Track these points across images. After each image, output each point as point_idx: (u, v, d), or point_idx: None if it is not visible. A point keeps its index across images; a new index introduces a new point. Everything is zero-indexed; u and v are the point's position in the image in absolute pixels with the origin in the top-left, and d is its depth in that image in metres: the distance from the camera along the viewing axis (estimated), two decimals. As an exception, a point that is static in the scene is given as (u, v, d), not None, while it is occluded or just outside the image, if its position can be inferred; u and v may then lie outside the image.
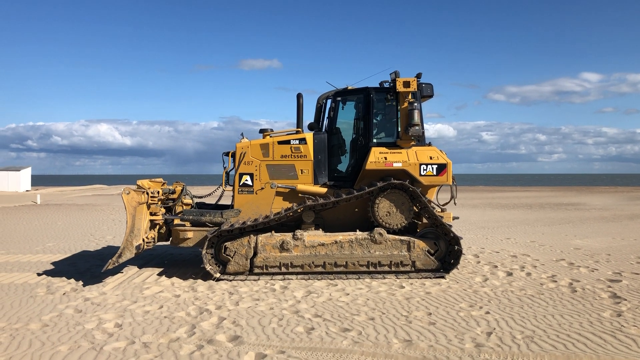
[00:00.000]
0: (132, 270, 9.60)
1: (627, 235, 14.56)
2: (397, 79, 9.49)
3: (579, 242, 13.16)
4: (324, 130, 10.00)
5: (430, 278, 8.83)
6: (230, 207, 9.81)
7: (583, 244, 12.93)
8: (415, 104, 9.37)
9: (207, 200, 10.87)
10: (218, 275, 8.75)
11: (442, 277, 8.87)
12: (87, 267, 9.87)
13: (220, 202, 10.55)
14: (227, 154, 9.84)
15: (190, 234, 9.23)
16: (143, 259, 10.79)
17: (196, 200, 10.44)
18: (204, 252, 8.68)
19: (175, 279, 8.77)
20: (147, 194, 8.87)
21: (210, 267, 8.73)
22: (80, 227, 16.98)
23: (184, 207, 9.90)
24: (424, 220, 9.33)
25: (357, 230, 9.20)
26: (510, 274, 9.15)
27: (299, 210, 9.07)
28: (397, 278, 8.79)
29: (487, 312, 6.81)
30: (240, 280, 8.68)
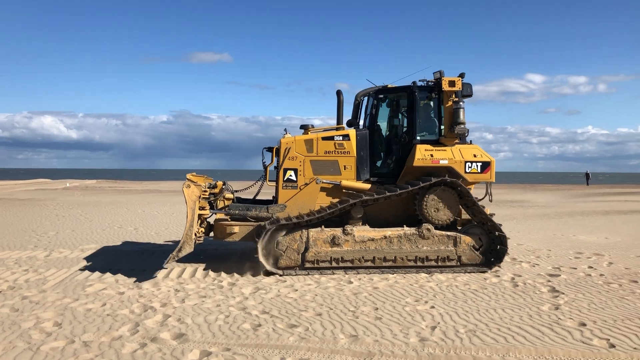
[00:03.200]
0: (75, 266, 9.31)
1: (566, 232, 15.12)
2: (442, 78, 9.63)
3: (522, 238, 13.57)
4: (361, 126, 10.12)
5: (474, 272, 9.10)
6: (273, 202, 9.80)
7: (525, 240, 13.35)
8: (461, 103, 9.51)
9: (242, 195, 10.70)
10: (271, 269, 8.74)
11: (485, 271, 9.14)
12: (29, 264, 9.49)
13: (257, 197, 10.52)
14: (268, 149, 9.84)
15: (236, 229, 9.23)
16: (89, 256, 10.48)
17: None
18: (259, 245, 8.66)
19: (120, 276, 8.55)
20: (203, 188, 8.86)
21: (265, 260, 8.73)
22: (21, 222, 16.33)
23: (225, 202, 9.77)
24: (462, 217, 9.57)
25: (404, 225, 9.27)
26: (466, 272, 9.34)
27: (354, 205, 9.12)
28: (441, 272, 9.03)
29: (432, 307, 6.94)
30: (291, 275, 8.74)
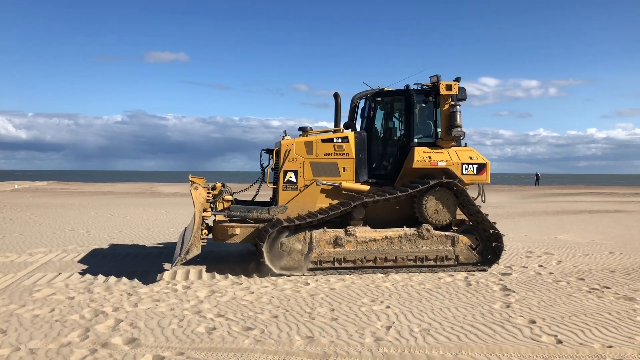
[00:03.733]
0: (22, 271, 8.99)
1: (517, 232, 15.54)
2: (440, 82, 9.83)
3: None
4: (358, 129, 10.26)
5: (472, 271, 9.37)
6: (272, 203, 9.77)
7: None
8: (458, 107, 9.72)
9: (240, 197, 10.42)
10: (277, 270, 8.79)
11: (484, 270, 9.42)
12: (-29, 270, 9.11)
13: (256, 199, 10.46)
14: (267, 151, 9.93)
15: (237, 230, 9.17)
16: (38, 260, 10.14)
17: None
18: (264, 247, 8.69)
19: (70, 281, 8.30)
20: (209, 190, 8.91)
21: (270, 262, 8.75)
22: (-35, 226, 15.67)
23: (225, 204, 9.56)
24: (457, 217, 9.77)
25: (404, 226, 9.44)
26: (409, 271, 9.45)
27: (357, 206, 9.20)
28: (443, 271, 9.26)
29: (388, 307, 7.01)
30: (296, 275, 8.82)
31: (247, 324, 6.19)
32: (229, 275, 8.81)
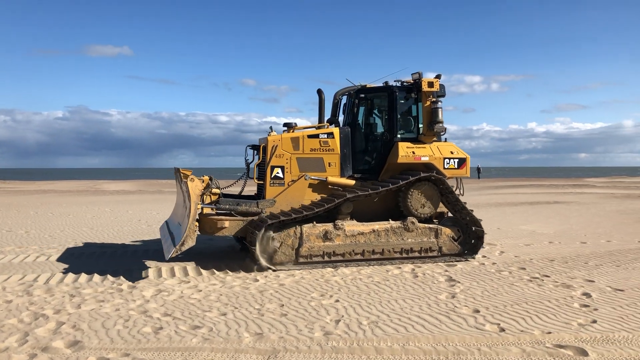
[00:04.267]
0: (-45, 275, 8.55)
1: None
2: (422, 79, 10.09)
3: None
4: (341, 125, 10.50)
5: (452, 262, 9.66)
6: (259, 198, 9.75)
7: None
8: (439, 103, 10.06)
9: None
10: (267, 265, 8.88)
11: (464, 260, 9.78)
12: None
13: (243, 193, 10.46)
14: (253, 147, 10.14)
15: (226, 223, 9.14)
16: (-31, 262, 9.66)
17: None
18: (257, 241, 8.70)
19: (7, 283, 7.96)
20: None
21: (262, 257, 8.82)
22: None
23: (212, 197, 9.60)
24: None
25: (390, 219, 9.70)
26: (358, 264, 9.55)
27: (348, 199, 9.38)
28: (423, 263, 9.49)
29: (337, 300, 7.06)
30: (285, 270, 8.92)
31: (194, 322, 6.10)
32: (176, 273, 8.66)
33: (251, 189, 10.56)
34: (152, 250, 10.95)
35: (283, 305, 6.84)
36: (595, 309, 6.64)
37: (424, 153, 9.98)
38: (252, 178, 10.14)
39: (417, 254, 9.67)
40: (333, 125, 10.44)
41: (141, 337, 5.59)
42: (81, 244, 11.81)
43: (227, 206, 9.26)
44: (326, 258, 9.22)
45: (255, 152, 10.12)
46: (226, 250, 11.03)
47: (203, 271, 8.82)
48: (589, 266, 9.37)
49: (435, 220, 10.10)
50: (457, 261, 9.72)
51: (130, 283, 8.00)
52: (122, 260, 9.86)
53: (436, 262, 9.64)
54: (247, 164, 10.17)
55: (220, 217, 9.21)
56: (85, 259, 10.08)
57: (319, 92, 10.61)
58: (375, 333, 5.72)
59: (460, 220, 10.06)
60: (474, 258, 9.94)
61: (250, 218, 9.21)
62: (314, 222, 9.23)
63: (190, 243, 8.28)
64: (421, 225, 9.69)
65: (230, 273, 8.74)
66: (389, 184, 9.58)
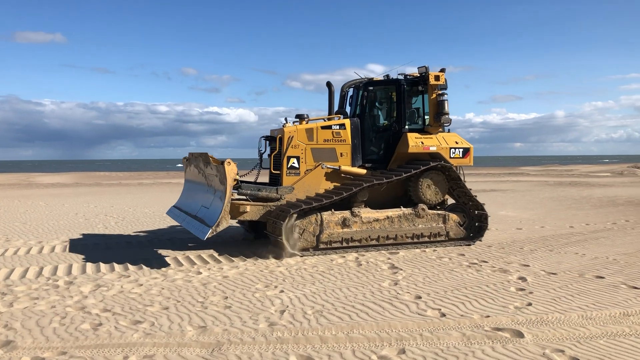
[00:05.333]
0: None
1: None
2: (429, 72, 10.55)
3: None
4: (350, 116, 10.92)
5: (461, 246, 10.24)
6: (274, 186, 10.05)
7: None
8: (445, 95, 10.50)
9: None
10: (293, 251, 9.19)
11: (469, 244, 10.33)
12: None
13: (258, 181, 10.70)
14: (265, 137, 10.55)
15: (248, 208, 9.46)
16: None
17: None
18: (284, 227, 8.97)
19: None
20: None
21: (287, 243, 9.09)
22: None
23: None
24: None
25: (401, 206, 10.16)
26: (301, 254, 9.56)
27: (367, 187, 9.76)
28: (435, 249, 9.89)
29: (282, 291, 7.04)
30: (308, 255, 9.29)
31: (135, 317, 5.95)
32: (116, 268, 8.42)
33: (262, 179, 10.84)
34: (90, 244, 10.60)
35: (227, 297, 6.77)
36: (531, 292, 6.92)
37: (432, 143, 10.51)
38: (265, 168, 10.46)
39: (426, 239, 10.14)
40: (341, 116, 10.81)
41: (79, 334, 5.40)
42: (14, 240, 11.28)
43: (249, 192, 9.55)
44: (344, 244, 9.63)
45: (268, 142, 10.51)
46: (166, 243, 10.81)
47: (144, 265, 8.61)
48: (524, 251, 9.75)
49: (437, 207, 10.58)
50: (466, 245, 10.32)
51: (67, 279, 7.71)
52: (58, 256, 9.49)
53: (444, 246, 10.17)
54: (260, 155, 10.57)
55: (242, 202, 9.51)
56: (17, 255, 9.64)
57: (328, 84, 11.05)
58: (320, 322, 5.75)
59: (464, 206, 10.62)
60: (480, 241, 10.49)
61: (270, 204, 9.63)
62: (332, 210, 9.58)
63: (225, 224, 8.61)
64: (430, 211, 10.19)
65: (172, 266, 8.57)
66: (402, 172, 10.04)
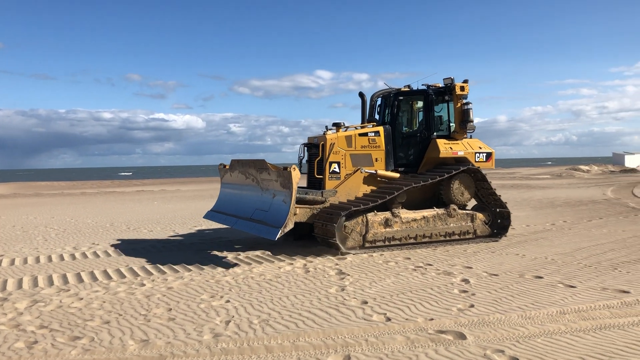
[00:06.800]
0: None
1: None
2: (455, 83, 11.44)
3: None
4: (380, 123, 11.59)
5: (486, 242, 11.01)
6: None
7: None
8: (470, 104, 11.34)
9: None
10: (346, 250, 9.89)
11: (495, 240, 11.10)
12: None
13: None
14: (305, 144, 11.36)
15: (298, 210, 9.91)
16: None
17: None
18: (337, 227, 9.69)
19: None
20: None
21: (341, 243, 9.82)
22: None
23: None
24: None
25: (434, 207, 10.99)
26: (249, 263, 9.49)
27: (408, 189, 10.50)
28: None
29: (228, 301, 6.95)
30: (354, 254, 9.91)
31: (74, 333, 5.74)
32: (55, 281, 8.11)
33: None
34: (31, 257, 10.17)
35: (171, 309, 6.62)
36: (473, 294, 7.08)
37: (460, 148, 11.39)
38: (303, 173, 10.85)
39: (457, 237, 10.95)
40: (375, 124, 11.49)
41: (12, 353, 5.15)
42: (-57, 255, 10.69)
43: (297, 195, 9.77)
44: (386, 243, 10.33)
45: (306, 149, 11.32)
46: (109, 254, 10.50)
47: (84, 278, 8.33)
48: (467, 253, 9.98)
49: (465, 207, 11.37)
50: (491, 241, 11.07)
51: (1, 295, 7.37)
52: (-8, 271, 9.06)
53: (470, 243, 10.92)
54: (300, 160, 11.36)
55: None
56: (-52, 271, 9.14)
57: (361, 95, 11.98)
58: (265, 331, 5.70)
59: (488, 205, 11.47)
60: (505, 236, 11.31)
61: (317, 206, 10.28)
62: (375, 211, 10.26)
63: (291, 225, 9.24)
64: (460, 211, 11.03)
65: (114, 278, 8.33)
66: (437, 175, 10.84)
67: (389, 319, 6.05)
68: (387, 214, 10.34)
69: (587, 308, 6.33)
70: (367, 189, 10.96)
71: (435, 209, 10.89)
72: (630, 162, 57.63)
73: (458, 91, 11.47)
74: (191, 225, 15.00)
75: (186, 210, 19.73)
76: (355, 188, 10.86)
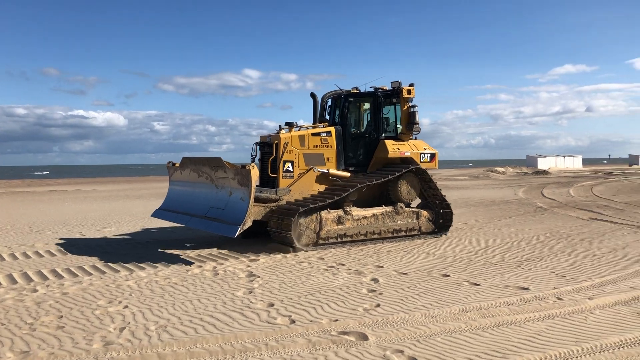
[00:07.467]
0: None
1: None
2: (402, 87, 11.88)
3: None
4: (331, 124, 11.90)
5: (433, 238, 11.60)
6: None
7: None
8: (416, 107, 11.95)
9: None
10: (300, 247, 10.05)
11: (441, 236, 11.76)
12: None
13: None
14: (257, 143, 11.40)
15: (252, 208, 9.51)
16: None
17: None
18: (292, 225, 9.81)
19: None
20: None
21: (296, 240, 9.98)
22: None
23: None
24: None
25: (383, 205, 11.35)
26: (156, 267, 9.09)
27: (360, 188, 10.94)
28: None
29: (126, 307, 6.57)
30: (308, 250, 10.11)
31: (-55, 346, 5.20)
32: None
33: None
34: None
35: (62, 316, 6.16)
36: (381, 294, 7.06)
37: (406, 149, 11.87)
38: (268, 172, 10.92)
39: (403, 234, 11.39)
40: (325, 124, 11.76)
41: None
42: None
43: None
44: (339, 239, 10.58)
45: (259, 147, 11.35)
46: (0, 259, 9.77)
47: (-30, 285, 7.66)
48: (380, 252, 10.04)
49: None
50: (434, 237, 11.67)
51: None
52: None
53: (416, 239, 11.41)
54: (253, 159, 11.29)
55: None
56: None
57: (312, 95, 12.22)
58: (161, 338, 5.39)
59: (432, 204, 11.99)
60: (446, 235, 11.85)
61: (271, 204, 10.40)
62: (328, 209, 10.48)
63: (249, 223, 9.24)
64: (407, 209, 11.47)
65: (3, 284, 7.71)
66: (388, 174, 11.26)
67: (293, 322, 5.91)
68: (340, 212, 10.61)
69: (488, 305, 6.45)
70: (320, 187, 11.23)
71: (384, 206, 11.26)
72: (542, 164, 60.88)
73: (405, 94, 11.92)
74: (100, 226, 14.29)
75: (99, 211, 18.84)
76: (308, 186, 11.08)
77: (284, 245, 10.15)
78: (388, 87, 12.33)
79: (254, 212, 9.93)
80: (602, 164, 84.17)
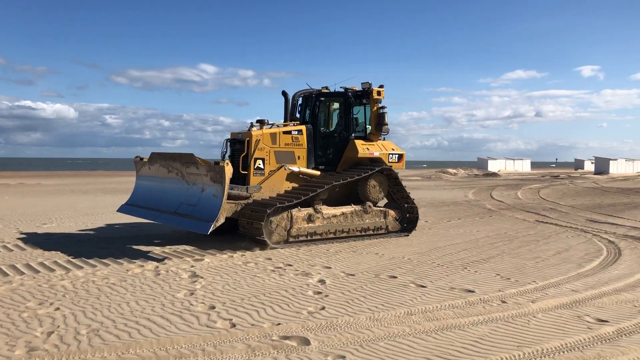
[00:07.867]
0: None
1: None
2: (372, 88, 11.99)
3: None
4: (301, 122, 11.89)
5: (399, 237, 11.77)
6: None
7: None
8: (386, 108, 12.05)
9: None
10: (271, 244, 10.05)
11: (407, 235, 11.94)
12: None
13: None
14: (228, 140, 11.31)
15: (225, 205, 9.42)
16: None
17: None
18: (264, 223, 9.83)
19: None
20: None
21: (267, 238, 10.01)
22: None
23: None
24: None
25: (352, 204, 11.49)
26: (94, 266, 8.70)
27: (330, 187, 11.03)
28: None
29: (57, 309, 6.21)
30: (279, 248, 10.13)
31: None
32: None
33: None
34: None
35: (-15, 319, 5.77)
36: (327, 296, 6.93)
37: (375, 149, 12.01)
38: (240, 169, 10.68)
39: (371, 232, 11.51)
40: (296, 123, 11.76)
41: None
42: None
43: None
44: (309, 237, 10.62)
45: (230, 144, 11.24)
46: None
47: None
48: (329, 253, 9.91)
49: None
50: (401, 236, 11.86)
51: None
52: None
53: (384, 238, 11.60)
54: (223, 156, 11.22)
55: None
56: None
57: (284, 93, 12.25)
58: (92, 343, 5.09)
59: (399, 204, 12.10)
60: (410, 233, 12.03)
61: (242, 201, 10.32)
62: (299, 207, 10.52)
63: (222, 219, 9.29)
64: (375, 208, 11.63)
65: None
66: (359, 173, 11.38)
67: (233, 325, 5.70)
68: (311, 210, 10.66)
69: (433, 308, 6.40)
70: (290, 185, 11.25)
71: (353, 205, 11.39)
72: (493, 166, 62.24)
73: (375, 95, 12.05)
74: (40, 222, 13.66)
75: (41, 205, 18.06)
76: (279, 184, 11.09)
77: (255, 242, 10.16)
78: (358, 87, 12.45)
79: (226, 209, 9.83)
80: (550, 168, 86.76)
